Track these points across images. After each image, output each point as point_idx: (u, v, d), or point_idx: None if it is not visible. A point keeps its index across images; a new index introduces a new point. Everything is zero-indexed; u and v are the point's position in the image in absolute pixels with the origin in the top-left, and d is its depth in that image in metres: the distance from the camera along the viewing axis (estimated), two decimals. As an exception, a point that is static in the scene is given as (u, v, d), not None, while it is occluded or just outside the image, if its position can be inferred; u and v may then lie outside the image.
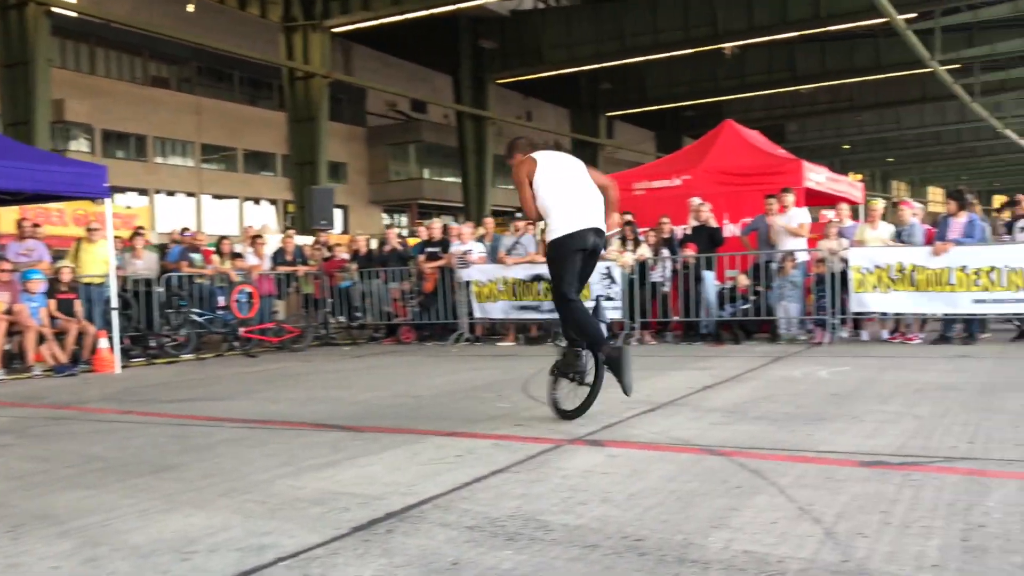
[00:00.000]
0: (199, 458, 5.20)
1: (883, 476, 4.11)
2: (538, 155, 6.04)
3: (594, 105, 45.68)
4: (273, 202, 41.66)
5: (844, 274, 10.96)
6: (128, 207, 25.53)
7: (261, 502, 4.10)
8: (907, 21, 29.84)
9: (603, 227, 5.95)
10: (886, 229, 11.57)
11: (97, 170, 10.66)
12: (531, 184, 5.92)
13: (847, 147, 59.00)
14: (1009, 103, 46.03)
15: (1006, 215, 11.75)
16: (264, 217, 39.48)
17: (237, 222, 38.44)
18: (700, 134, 52.01)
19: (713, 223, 12.42)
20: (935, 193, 79.88)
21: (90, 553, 3.39)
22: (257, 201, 41.17)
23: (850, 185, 15.61)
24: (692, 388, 7.37)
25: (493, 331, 13.76)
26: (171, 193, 37.15)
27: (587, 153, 45.94)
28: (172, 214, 34.75)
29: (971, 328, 10.55)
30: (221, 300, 12.85)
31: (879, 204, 11.96)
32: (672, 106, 47.44)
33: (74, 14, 26.50)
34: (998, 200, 52.81)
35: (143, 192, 35.29)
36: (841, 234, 11.43)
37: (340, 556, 3.26)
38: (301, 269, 14.29)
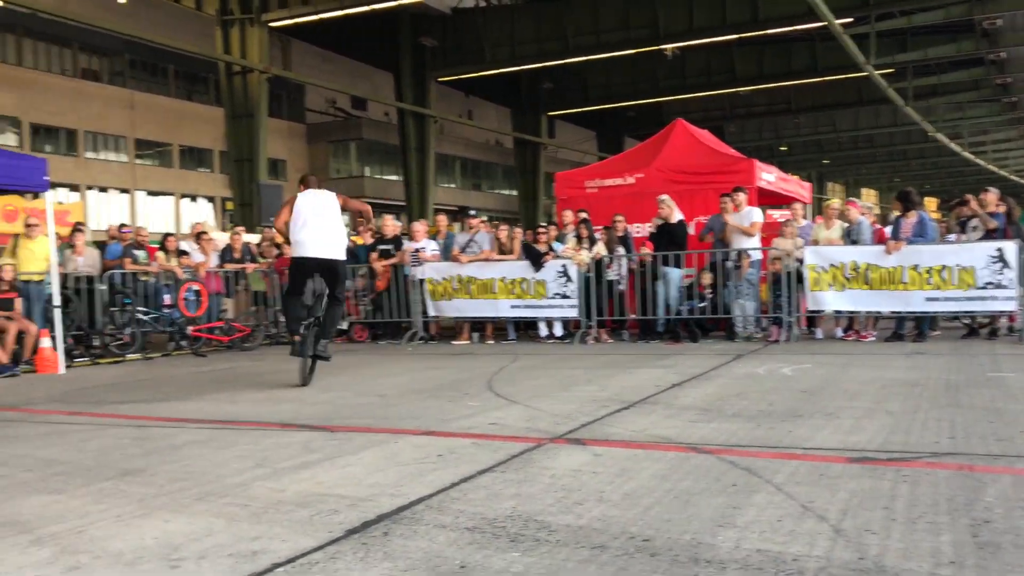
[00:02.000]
0: (165, 460, 4.99)
1: (875, 472, 4.11)
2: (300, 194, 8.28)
3: (535, 104, 45.66)
4: (211, 199, 40.81)
5: (799, 273, 11.08)
6: (60, 203, 24.69)
7: (242, 505, 3.93)
8: (843, 25, 30.43)
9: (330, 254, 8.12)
10: (839, 228, 11.74)
11: (36, 162, 10.24)
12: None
13: (784, 148, 59.98)
14: (940, 107, 47.36)
15: (954, 215, 12.01)
16: (202, 214, 38.64)
17: (173, 219, 37.57)
18: (642, 134, 52.47)
19: (676, 218, 12.36)
20: (868, 195, 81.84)
21: (71, 561, 3.20)
22: (194, 198, 40.29)
23: (799, 184, 15.82)
24: (660, 386, 7.35)
25: (448, 330, 13.62)
26: (104, 189, 36.13)
27: (528, 152, 46.12)
28: (105, 210, 33.81)
29: (922, 326, 10.75)
30: (167, 298, 12.46)
31: (835, 203, 12.13)
32: (613, 106, 47.67)
33: None
34: (930, 202, 54.28)
35: (74, 188, 34.23)
36: (798, 233, 11.55)
37: (340, 560, 3.12)
38: (251, 266, 13.95)
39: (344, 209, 8.49)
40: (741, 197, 12.03)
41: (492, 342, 12.64)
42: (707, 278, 11.74)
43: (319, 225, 8.04)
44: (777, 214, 15.89)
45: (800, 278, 11.14)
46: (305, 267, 8.19)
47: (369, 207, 9.44)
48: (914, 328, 10.89)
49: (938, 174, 74.23)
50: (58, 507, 4.03)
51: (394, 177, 43.75)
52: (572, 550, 3.14)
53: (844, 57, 34.47)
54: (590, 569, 2.96)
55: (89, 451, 5.38)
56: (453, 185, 50.89)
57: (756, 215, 12.02)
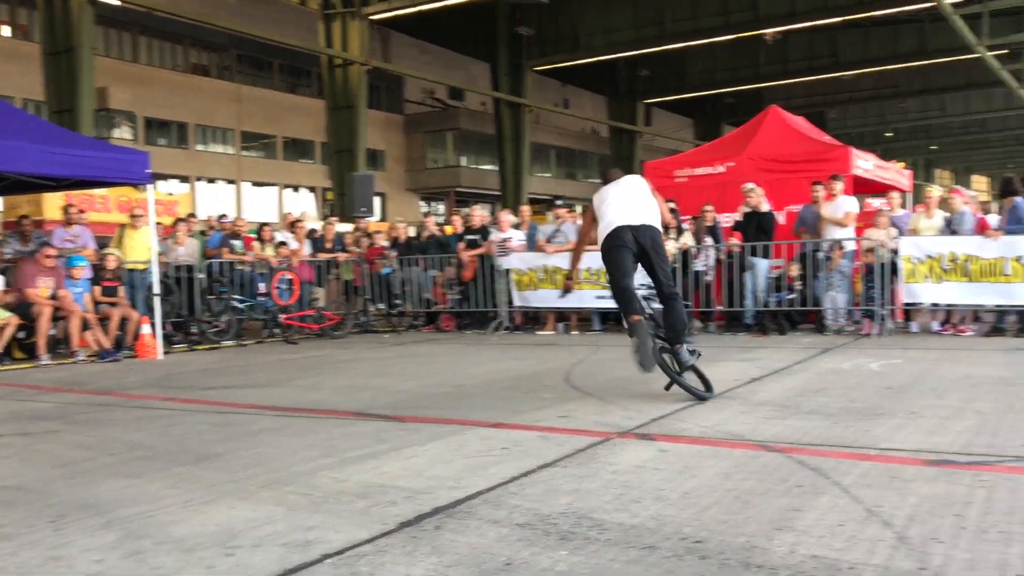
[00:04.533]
0: (241, 447, 5.14)
1: (951, 476, 3.92)
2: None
3: (632, 92, 45.20)
4: (312, 189, 41.83)
5: (894, 264, 10.67)
6: (170, 194, 25.71)
7: (304, 494, 4.01)
8: (954, 5, 29.06)
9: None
10: (940, 218, 11.24)
11: (139, 156, 10.68)
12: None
13: (890, 135, 57.84)
14: (1059, 90, 44.80)
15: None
16: (303, 204, 39.68)
17: (276, 209, 38.67)
18: (740, 121, 51.36)
19: (765, 208, 12.10)
20: (979, 182, 78.21)
21: (133, 546, 3.32)
22: (296, 188, 41.38)
23: (898, 172, 15.21)
24: (739, 380, 7.20)
25: (534, 320, 13.64)
26: (211, 180, 37.44)
27: (624, 140, 45.68)
28: (212, 201, 35.03)
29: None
30: (262, 287, 12.84)
31: (935, 192, 11.63)
32: (711, 93, 46.82)
33: (117, 2, 26.72)
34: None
35: (184, 179, 35.58)
36: (893, 223, 11.11)
37: (388, 554, 3.15)
38: (341, 256, 14.25)
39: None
40: (838, 186, 11.66)
41: (577, 332, 12.59)
42: (795, 269, 11.42)
43: (627, 202, 6.50)
44: (877, 202, 15.33)
45: (895, 269, 10.73)
46: (621, 240, 6.31)
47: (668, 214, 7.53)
48: (1017, 322, 10.37)
49: (1057, 160, 70.38)
50: (133, 491, 4.19)
51: (489, 167, 43.98)
52: (621, 550, 3.10)
53: (954, 38, 32.92)
54: (636, 570, 2.91)
55: (172, 436, 5.59)
56: (548, 174, 50.83)
57: (850, 204, 11.62)
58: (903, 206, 12.01)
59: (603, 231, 6.45)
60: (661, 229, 6.58)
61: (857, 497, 3.62)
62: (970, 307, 10.61)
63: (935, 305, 10.87)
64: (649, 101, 47.85)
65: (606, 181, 6.82)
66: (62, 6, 21.72)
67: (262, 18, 33.20)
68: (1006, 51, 36.26)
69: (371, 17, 30.51)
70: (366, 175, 14.73)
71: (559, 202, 14.04)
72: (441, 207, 46.92)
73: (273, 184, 40.24)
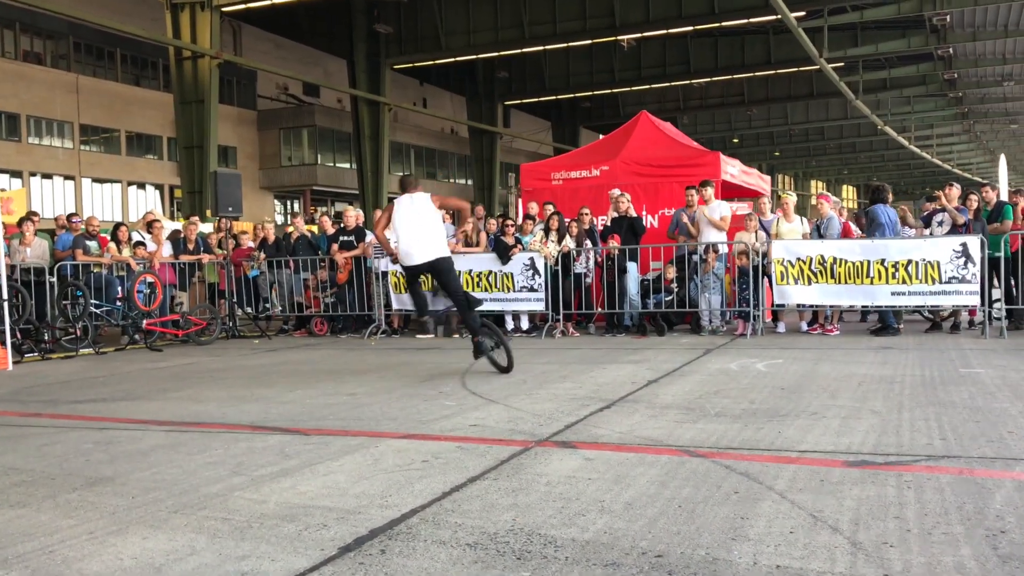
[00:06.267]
0: (134, 467, 4.74)
1: (876, 477, 4.02)
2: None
3: (491, 93, 45.42)
4: (159, 187, 39.88)
5: (765, 267, 11.08)
6: (3, 190, 23.90)
7: (223, 519, 3.71)
8: (797, 19, 30.69)
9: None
10: (799, 222, 11.76)
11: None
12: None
13: (736, 141, 60.54)
14: (889, 101, 48.16)
15: (920, 210, 12.11)
16: (149, 203, 37.75)
17: (121, 208, 36.65)
18: (597, 125, 52.48)
19: (633, 213, 12.39)
20: (816, 187, 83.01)
21: (45, 589, 2.96)
22: (142, 186, 39.34)
23: (759, 177, 15.87)
24: (636, 383, 7.26)
25: (411, 323, 13.42)
26: (48, 176, 35.08)
27: (484, 141, 45.86)
28: (49, 198, 32.84)
29: (888, 320, 10.81)
30: (120, 290, 12.05)
31: (791, 198, 12.16)
32: (569, 96, 47.71)
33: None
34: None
35: (16, 174, 33.19)
36: (761, 227, 11.55)
37: (339, 584, 2.93)
38: (207, 257, 13.56)
39: (441, 207, 8.72)
40: (709, 191, 12.01)
41: (458, 336, 12.45)
42: (672, 271, 11.69)
43: (416, 229, 8.24)
44: (735, 207, 15.90)
45: (765, 272, 11.15)
46: (415, 272, 8.56)
47: (467, 204, 9.45)
48: (876, 322, 10.97)
49: (885, 167, 75.60)
50: (23, 522, 3.77)
51: (347, 165, 43.19)
52: (584, 568, 2.99)
53: (797, 50, 34.86)
54: (606, 589, 2.82)
55: (51, 457, 5.10)
56: (408, 173, 50.41)
57: (725, 208, 12.01)
58: (772, 211, 12.49)
59: (401, 253, 8.36)
60: (447, 253, 8.45)
61: (796, 502, 3.65)
62: (837, 307, 11.14)
63: (802, 306, 11.35)
64: (508, 103, 48.25)
65: (404, 191, 8.41)
66: None
67: (103, 4, 31.31)
68: (842, 63, 38.64)
69: (223, 8, 29.26)
70: (232, 173, 14.02)
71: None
72: (297, 206, 45.72)
73: (116, 181, 38.09)
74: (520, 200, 30.56)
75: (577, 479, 4.16)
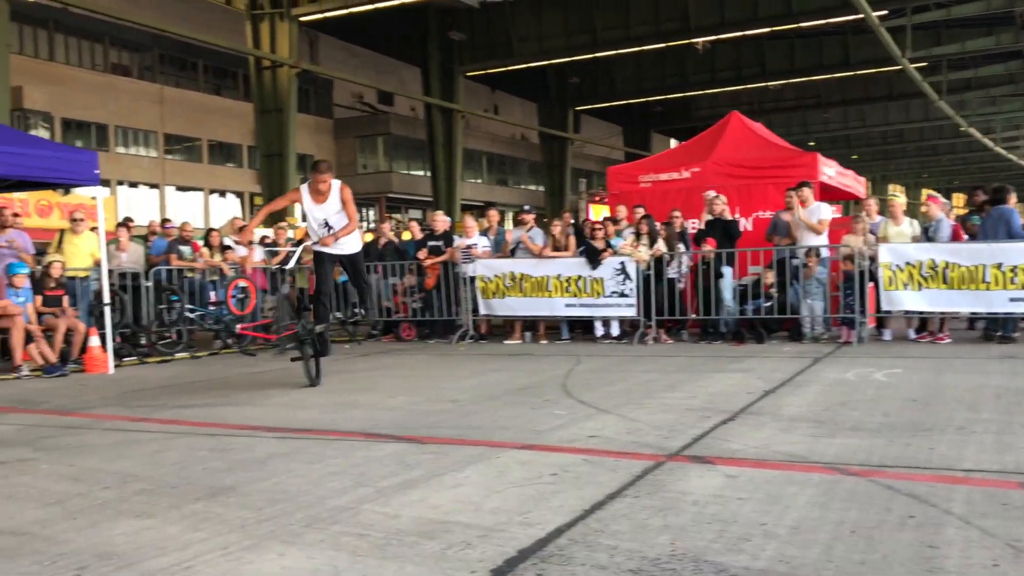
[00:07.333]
0: (254, 477, 4.61)
1: (1063, 501, 3.66)
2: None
3: (562, 99, 45.15)
4: (239, 194, 40.57)
5: (871, 271, 10.60)
6: (93, 197, 24.46)
7: (359, 535, 3.53)
8: (879, 18, 29.78)
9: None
10: (908, 225, 11.24)
11: (87, 155, 9.94)
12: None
13: (812, 144, 59.21)
14: (973, 101, 46.48)
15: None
16: (231, 210, 38.42)
17: (203, 215, 37.36)
18: (669, 129, 51.80)
19: (728, 216, 12.01)
20: (895, 190, 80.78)
21: (193, 610, 2.81)
22: (223, 193, 40.07)
23: (855, 179, 15.31)
24: (752, 393, 6.92)
25: (499, 328, 13.25)
26: (134, 184, 35.94)
27: (555, 147, 45.62)
28: (135, 206, 33.59)
29: (1006, 328, 10.21)
30: (213, 295, 12.12)
31: (900, 199, 11.64)
32: (641, 101, 47.20)
33: (30, -2, 25.37)
34: (958, 198, 53.44)
35: (104, 183, 33.99)
36: (870, 230, 11.06)
37: (503, 612, 2.71)
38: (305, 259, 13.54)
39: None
40: (807, 192, 11.56)
41: (545, 342, 12.23)
42: (771, 276, 11.28)
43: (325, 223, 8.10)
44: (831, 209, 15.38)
45: (872, 277, 10.67)
46: (326, 259, 8.34)
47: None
48: (987, 329, 10.42)
49: (968, 169, 73.01)
50: (152, 534, 3.65)
51: (421, 172, 43.39)
52: (768, 600, 2.72)
53: (877, 51, 33.85)
54: (800, 626, 2.54)
55: (167, 464, 5.00)
56: (479, 180, 50.48)
57: (824, 211, 11.54)
58: (879, 213, 11.98)
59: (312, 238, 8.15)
60: (359, 247, 8.55)
61: (985, 529, 3.32)
62: (948, 314, 10.58)
63: (909, 313, 10.83)
64: (579, 108, 47.89)
65: (315, 173, 7.99)
66: (-27, 3, 20.35)
67: (185, 17, 31.95)
68: (925, 63, 37.41)
69: (300, 18, 29.61)
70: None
71: (527, 207, 13.64)
72: (372, 213, 46.11)
73: (199, 189, 38.87)
74: (588, 205, 30.20)
75: (726, 498, 3.88)
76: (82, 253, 11.09)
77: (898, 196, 11.94)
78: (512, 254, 12.70)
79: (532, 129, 47.98)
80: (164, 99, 36.73)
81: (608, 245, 11.95)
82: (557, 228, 12.57)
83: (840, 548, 3.17)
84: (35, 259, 10.92)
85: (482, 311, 12.63)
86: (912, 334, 10.95)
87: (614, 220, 12.70)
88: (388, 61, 41.38)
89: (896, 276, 10.40)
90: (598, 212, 29.66)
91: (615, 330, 12.17)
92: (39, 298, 10.14)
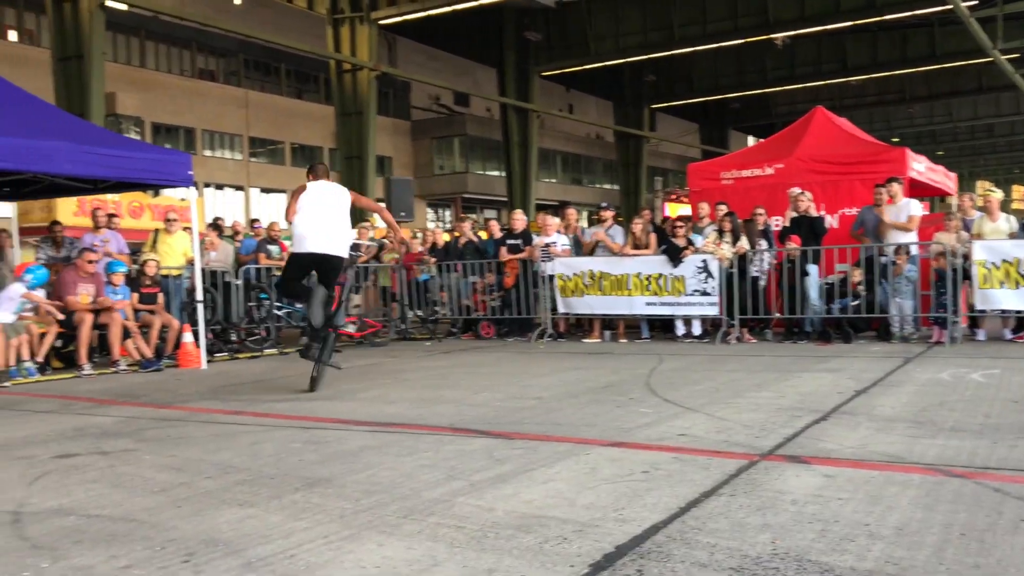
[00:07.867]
0: (348, 468, 4.69)
1: None
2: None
3: (638, 97, 44.75)
4: (320, 196, 41.33)
5: (964, 269, 10.27)
6: (182, 199, 25.25)
7: (455, 527, 3.57)
8: (968, 8, 28.74)
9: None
10: (1005, 221, 10.86)
11: (180, 157, 10.28)
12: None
13: (896, 140, 57.60)
14: (1070, 94, 44.62)
15: None
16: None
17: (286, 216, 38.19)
18: (746, 126, 50.99)
19: (814, 213, 11.77)
20: (983, 187, 78.13)
21: (301, 596, 2.88)
22: (304, 195, 40.86)
23: (945, 175, 14.85)
24: (843, 393, 6.77)
25: (577, 327, 13.23)
26: (220, 186, 36.97)
27: (630, 145, 45.28)
28: (220, 207, 34.56)
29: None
30: (298, 294, 12.36)
31: (997, 195, 11.25)
32: (717, 98, 46.56)
33: (123, 7, 26.21)
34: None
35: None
36: (965, 227, 10.71)
37: (606, 605, 2.71)
38: (385, 258, 13.78)
39: (355, 206, 8.08)
40: (896, 188, 11.26)
41: (625, 341, 12.16)
42: (859, 274, 11.01)
43: (319, 216, 7.67)
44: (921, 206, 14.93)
45: (966, 275, 10.33)
46: (300, 263, 7.84)
47: (381, 207, 9.00)
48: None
49: (1062, 165, 70.37)
50: (255, 523, 3.74)
51: (496, 173, 43.59)
52: (877, 600, 2.66)
53: (965, 42, 32.70)
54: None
55: (264, 456, 5.13)
56: (554, 180, 50.49)
57: (915, 208, 11.23)
58: (974, 209, 11.60)
59: (296, 236, 7.70)
60: (345, 254, 7.92)
61: (1103, 533, 3.19)
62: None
63: (1005, 312, 10.47)
64: (655, 106, 47.48)
65: (316, 178, 7.89)
66: (72, 11, 21.11)
67: (269, 22, 32.75)
68: (1018, 55, 36.02)
69: (380, 22, 30.02)
70: (405, 180, 14.35)
71: (604, 204, 13.59)
72: (448, 213, 46.52)
73: (281, 191, 39.70)
74: (664, 204, 29.94)
75: (826, 498, 3.80)
76: (175, 252, 11.45)
77: (995, 192, 11.49)
78: (591, 253, 12.69)
79: (608, 128, 47.74)
80: (249, 103, 37.68)
81: (689, 243, 11.83)
82: (638, 226, 12.49)
83: (951, 551, 3.08)
84: (131, 258, 11.30)
85: (561, 309, 12.63)
86: (1008, 334, 10.58)
87: (689, 220, 12.57)
88: (464, 63, 41.70)
89: (991, 274, 10.06)
90: (674, 210, 29.41)
91: (697, 329, 12.04)
92: (135, 295, 10.51)
